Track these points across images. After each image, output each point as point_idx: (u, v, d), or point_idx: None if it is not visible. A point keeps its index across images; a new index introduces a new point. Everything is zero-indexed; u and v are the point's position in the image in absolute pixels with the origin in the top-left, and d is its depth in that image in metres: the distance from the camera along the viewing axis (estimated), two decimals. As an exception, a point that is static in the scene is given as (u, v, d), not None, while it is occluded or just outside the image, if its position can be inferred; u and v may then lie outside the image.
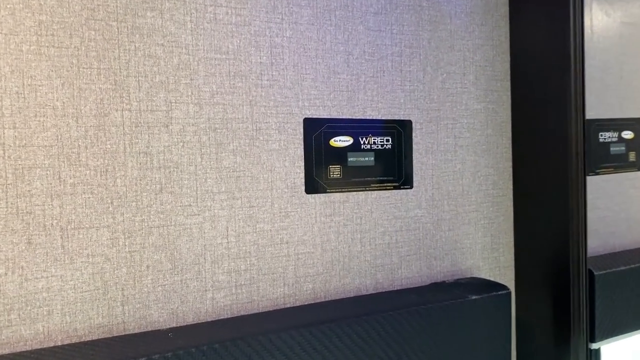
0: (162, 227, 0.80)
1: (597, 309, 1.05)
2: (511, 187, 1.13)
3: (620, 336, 1.10)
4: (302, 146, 0.91)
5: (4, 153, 0.70)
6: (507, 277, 1.13)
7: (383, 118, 0.98)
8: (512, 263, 1.14)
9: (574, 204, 0.99)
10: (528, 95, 1.09)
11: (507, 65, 1.12)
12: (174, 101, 0.81)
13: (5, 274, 0.70)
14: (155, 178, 0.80)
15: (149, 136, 0.79)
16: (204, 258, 0.83)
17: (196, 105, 0.82)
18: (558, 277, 1.03)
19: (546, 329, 1.05)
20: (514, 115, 1.12)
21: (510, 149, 1.13)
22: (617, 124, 1.23)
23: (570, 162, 0.99)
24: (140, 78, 0.78)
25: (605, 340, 1.07)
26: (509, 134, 1.13)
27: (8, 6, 0.70)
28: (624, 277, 1.11)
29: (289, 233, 0.90)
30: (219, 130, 0.84)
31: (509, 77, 1.12)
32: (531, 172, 1.09)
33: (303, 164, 0.91)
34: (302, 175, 0.91)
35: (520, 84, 1.11)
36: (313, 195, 0.92)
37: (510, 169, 1.13)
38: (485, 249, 1.11)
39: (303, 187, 0.91)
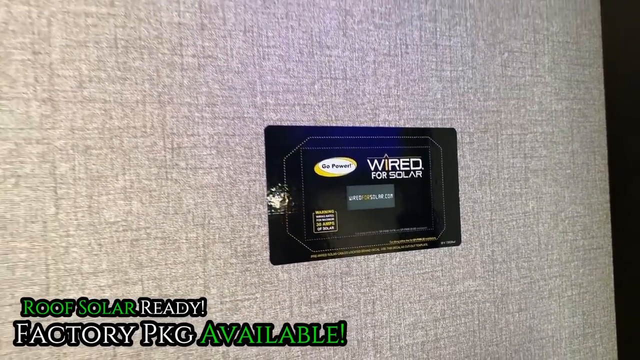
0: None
1: None
2: (610, 234, 0.71)
3: None
4: (265, 177, 0.50)
5: None
6: (608, 378, 0.71)
7: (408, 126, 0.57)
8: (616, 356, 0.71)
9: None
10: (632, 89, 0.67)
11: (599, 42, 0.71)
12: (-12, 93, 0.40)
13: None
14: (-56, 253, 0.38)
15: None
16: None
17: (46, 103, 0.41)
18: None
19: None
20: (611, 121, 0.70)
21: (607, 173, 0.71)
22: None
23: None
24: None
25: None
26: (605, 151, 0.71)
27: None
28: None
29: (238, 349, 0.48)
30: (93, 152, 0.43)
31: (601, 61, 0.71)
32: (642, 210, 0.67)
33: (266, 209, 0.50)
34: (265, 230, 0.50)
35: (619, 71, 0.69)
36: (285, 267, 0.51)
37: (608, 206, 0.71)
38: (575, 336, 0.68)
39: (267, 254, 0.50)
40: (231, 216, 0.48)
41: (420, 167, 0.58)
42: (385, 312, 0.55)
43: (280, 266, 0.50)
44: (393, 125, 0.56)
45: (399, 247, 0.56)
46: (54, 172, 0.42)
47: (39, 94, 0.42)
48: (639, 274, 0.68)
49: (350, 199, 0.54)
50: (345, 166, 0.54)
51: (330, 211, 0.53)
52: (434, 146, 0.59)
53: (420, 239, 0.58)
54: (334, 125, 0.53)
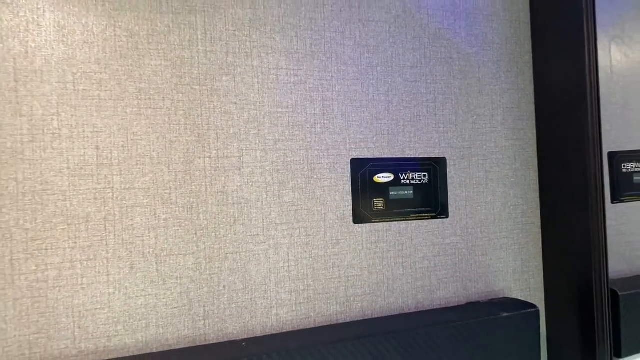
0: (235, 253, 0.95)
1: (623, 326, 1.14)
2: (539, 215, 1.25)
3: (647, 353, 1.19)
4: (350, 182, 1.06)
5: (113, 195, 0.88)
6: (537, 297, 1.24)
7: (420, 156, 1.12)
8: (542, 284, 1.25)
9: (595, 229, 1.10)
10: (551, 133, 1.21)
11: (532, 107, 1.25)
12: (244, 149, 0.97)
13: (113, 292, 0.87)
14: (230, 212, 0.96)
15: (225, 178, 0.95)
16: (270, 280, 0.98)
17: (262, 152, 0.99)
18: (583, 297, 1.13)
19: (574, 346, 1.15)
20: (539, 151, 1.24)
21: (537, 180, 1.25)
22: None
23: (591, 192, 1.11)
24: (218, 131, 0.95)
25: (632, 357, 1.16)
26: (536, 168, 1.24)
27: (115, 77, 0.89)
28: (648, 298, 1.20)
29: (339, 258, 1.05)
30: (280, 172, 1.00)
31: (534, 117, 1.25)
32: (556, 202, 1.21)
33: (351, 197, 1.06)
34: (350, 207, 1.06)
35: (544, 122, 1.23)
36: (360, 225, 1.06)
37: (538, 199, 1.25)
38: (516, 271, 1.22)
39: (351, 218, 1.06)
40: (335, 200, 1.05)
41: (427, 178, 1.13)
42: (408, 250, 1.11)
43: (357, 225, 1.06)
44: (413, 156, 1.12)
45: (415, 218, 1.12)
46: (264, 180, 0.99)
47: (259, 147, 0.99)
48: (555, 239, 1.21)
49: (391, 194, 1.09)
50: (388, 177, 1.09)
51: (381, 199, 1.09)
52: (434, 167, 1.14)
53: (426, 215, 1.13)
54: (384, 157, 1.09)
